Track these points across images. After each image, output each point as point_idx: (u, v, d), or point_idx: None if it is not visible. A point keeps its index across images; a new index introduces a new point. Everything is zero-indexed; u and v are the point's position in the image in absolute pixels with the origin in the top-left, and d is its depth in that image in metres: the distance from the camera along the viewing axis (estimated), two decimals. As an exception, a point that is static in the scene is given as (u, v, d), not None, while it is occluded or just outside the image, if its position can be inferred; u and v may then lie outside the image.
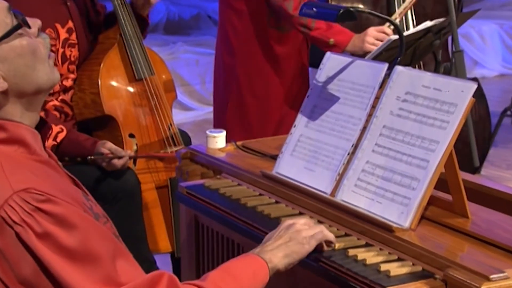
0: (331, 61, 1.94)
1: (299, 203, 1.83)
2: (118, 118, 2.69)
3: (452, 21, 2.75)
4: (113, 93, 2.72)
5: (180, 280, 1.32)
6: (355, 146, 1.78)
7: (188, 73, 5.92)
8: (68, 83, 2.67)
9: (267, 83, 2.96)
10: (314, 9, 1.85)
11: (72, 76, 2.68)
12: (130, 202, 2.56)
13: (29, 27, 1.30)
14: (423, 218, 1.65)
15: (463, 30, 6.67)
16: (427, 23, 2.63)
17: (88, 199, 1.33)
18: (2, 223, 1.20)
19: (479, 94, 3.34)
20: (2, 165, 1.25)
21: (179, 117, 5.28)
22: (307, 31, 2.79)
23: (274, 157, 2.02)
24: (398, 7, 3.13)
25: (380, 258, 1.54)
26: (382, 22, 2.95)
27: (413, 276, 1.47)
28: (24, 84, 1.29)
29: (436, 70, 2.89)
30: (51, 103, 2.62)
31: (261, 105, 2.97)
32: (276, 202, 1.88)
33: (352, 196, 1.72)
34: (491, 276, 1.39)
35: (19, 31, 1.28)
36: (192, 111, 5.81)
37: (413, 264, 1.51)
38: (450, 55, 3.22)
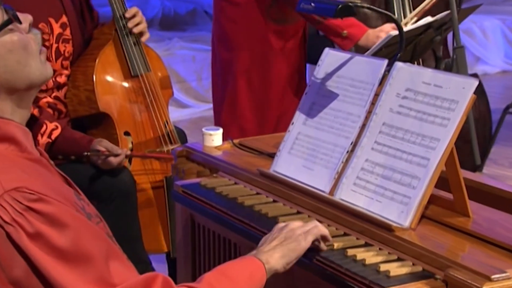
0: (330, 57, 1.93)
1: (297, 202, 1.83)
2: (113, 116, 2.69)
3: (453, 17, 2.75)
4: (108, 90, 2.71)
5: (176, 281, 1.31)
6: (354, 144, 1.78)
7: (184, 69, 5.91)
8: (61, 79, 2.66)
9: (265, 79, 2.96)
10: (312, 4, 1.85)
11: (66, 72, 2.67)
12: (125, 202, 2.56)
13: (20, 22, 1.30)
14: (424, 217, 1.65)
15: (464, 26, 6.67)
16: (428, 19, 2.63)
17: (80, 199, 1.33)
18: None
19: (479, 91, 3.34)
20: (-8, 163, 1.25)
21: (175, 114, 5.28)
22: (321, 19, 2.76)
23: (271, 155, 2.02)
24: (396, 3, 3.13)
25: (379, 258, 1.54)
26: (380, 17, 2.95)
27: (413, 276, 1.47)
28: (15, 80, 1.29)
29: (437, 67, 2.89)
30: (44, 100, 2.62)
31: (259, 101, 2.97)
32: (274, 201, 1.87)
33: (351, 195, 1.72)
34: (493, 276, 1.39)
35: (10, 26, 1.28)
36: (188, 108, 5.81)
37: (413, 264, 1.51)
38: (451, 51, 3.22)
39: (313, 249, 1.56)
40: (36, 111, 2.54)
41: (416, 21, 2.71)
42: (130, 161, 2.71)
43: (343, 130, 1.82)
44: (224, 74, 3.01)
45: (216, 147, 2.20)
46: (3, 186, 1.21)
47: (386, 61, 1.81)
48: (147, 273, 1.27)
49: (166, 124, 2.79)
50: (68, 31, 2.64)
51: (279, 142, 1.96)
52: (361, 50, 2.79)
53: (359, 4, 1.84)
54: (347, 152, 1.78)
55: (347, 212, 1.70)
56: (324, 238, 1.54)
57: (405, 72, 1.74)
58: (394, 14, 3.06)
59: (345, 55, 1.91)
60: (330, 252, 1.56)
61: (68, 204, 1.24)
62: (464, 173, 1.71)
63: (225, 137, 2.26)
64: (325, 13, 1.90)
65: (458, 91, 1.63)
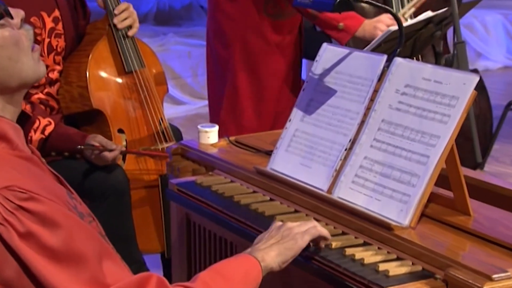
0: (328, 53, 1.94)
1: (295, 200, 1.83)
2: (107, 113, 2.69)
3: (454, 11, 2.75)
4: (102, 86, 2.71)
5: (171, 282, 1.31)
6: (353, 141, 1.78)
7: (180, 65, 5.91)
8: (54, 75, 2.66)
9: (262, 75, 2.97)
10: (310, -2, 1.85)
11: (58, 68, 2.67)
12: (119, 200, 2.56)
13: (12, 17, 1.30)
14: (423, 215, 1.66)
15: (465, 21, 6.68)
16: (428, 13, 2.64)
17: (72, 198, 1.33)
18: None
19: (480, 86, 3.33)
20: (-17, 161, 1.24)
21: (170, 111, 5.27)
22: (317, 12, 2.76)
23: (268, 153, 2.02)
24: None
25: (378, 258, 1.54)
26: (378, 12, 2.95)
27: (412, 276, 1.47)
28: (6, 78, 1.29)
29: (437, 62, 2.90)
30: (35, 96, 2.61)
31: (256, 98, 2.98)
32: (271, 199, 1.88)
33: (350, 193, 1.72)
34: (494, 276, 1.40)
35: (1, 21, 1.28)
36: (183, 105, 5.80)
37: (412, 264, 1.52)
38: (451, 46, 3.23)
39: (310, 248, 1.56)
40: (28, 107, 2.54)
41: (414, 13, 2.71)
42: (124, 159, 2.71)
43: (341, 127, 1.82)
44: (221, 71, 3.01)
45: (212, 145, 2.21)
46: (-6, 185, 1.21)
47: (385, 57, 1.81)
48: (141, 273, 1.27)
49: (161, 122, 2.79)
50: (60, 26, 2.64)
51: (276, 139, 1.97)
52: (359, 43, 2.79)
53: (357, -1, 1.84)
54: (346, 149, 1.79)
55: (346, 210, 1.70)
56: (322, 238, 1.54)
57: (404, 68, 1.75)
58: (392, 8, 3.06)
59: (343, 51, 1.91)
60: (328, 251, 1.57)
61: (60, 203, 1.24)
62: (465, 171, 1.71)
63: (223, 134, 2.26)
64: (322, 7, 1.91)
65: (459, 87, 1.63)
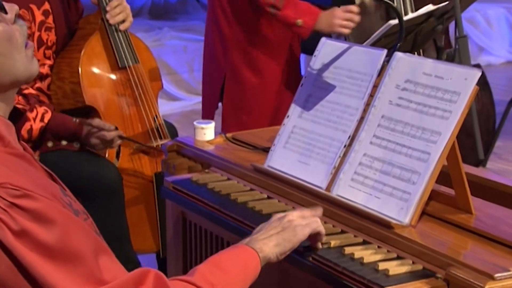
0: (327, 48, 1.94)
1: (293, 198, 1.83)
2: (100, 109, 2.69)
3: (456, 5, 2.76)
4: (95, 82, 2.71)
5: (166, 282, 1.32)
6: (352, 138, 1.78)
7: (175, 60, 5.91)
8: (44, 70, 2.65)
9: (261, 71, 2.99)
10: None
11: (49, 62, 2.67)
12: (112, 199, 2.56)
13: (6, 12, 1.30)
14: (424, 214, 1.66)
15: (467, 14, 6.69)
16: (429, 7, 2.64)
17: (67, 195, 1.33)
18: None
19: (482, 82, 3.35)
20: (-26, 158, 1.25)
21: (165, 107, 5.28)
22: (276, 11, 2.82)
23: (266, 150, 2.02)
24: None
25: (378, 257, 1.54)
26: (379, 9, 2.96)
27: (413, 275, 1.48)
28: None
29: (438, 57, 2.91)
30: (26, 91, 2.61)
31: (256, 94, 3.01)
32: (268, 197, 1.88)
33: (349, 191, 1.73)
34: (496, 275, 1.40)
35: None
36: (179, 101, 5.81)
37: (413, 263, 1.52)
38: (453, 41, 3.23)
39: (308, 247, 1.56)
40: (21, 98, 2.54)
41: (415, 7, 2.73)
42: (117, 157, 2.71)
43: (341, 123, 1.82)
44: (219, 66, 3.03)
45: (208, 141, 2.21)
46: (-14, 182, 1.21)
47: (385, 51, 1.81)
48: (138, 269, 1.28)
49: (156, 118, 2.79)
50: (50, 19, 2.63)
51: (273, 136, 1.97)
52: (359, 37, 2.81)
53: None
54: (345, 146, 1.79)
55: (345, 208, 1.70)
56: (318, 235, 1.55)
57: (405, 62, 1.75)
58: (393, 2, 3.07)
59: (342, 45, 1.91)
60: (327, 250, 1.57)
61: (54, 200, 1.25)
62: (467, 168, 1.72)
63: (224, 130, 2.25)
64: (322, 1, 1.91)
65: (460, 82, 1.64)
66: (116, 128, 2.60)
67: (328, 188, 1.78)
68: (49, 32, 2.63)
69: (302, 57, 3.26)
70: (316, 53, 1.95)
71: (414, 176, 1.63)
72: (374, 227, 1.63)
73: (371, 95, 1.79)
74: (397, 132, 1.70)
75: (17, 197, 1.21)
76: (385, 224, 1.62)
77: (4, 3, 1.30)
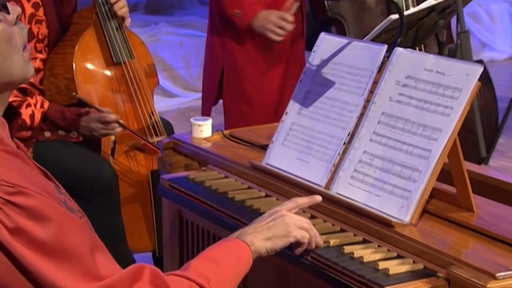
0: (326, 43, 1.94)
1: (291, 196, 1.82)
2: (99, 109, 2.69)
3: (458, -1, 2.76)
4: (89, 78, 2.71)
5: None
6: (352, 135, 1.79)
7: (171, 56, 5.91)
8: (36, 63, 2.65)
9: (258, 62, 3.03)
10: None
11: (41, 56, 2.67)
12: (107, 197, 2.56)
13: (8, 12, 1.31)
14: (425, 212, 1.67)
15: (470, 9, 6.68)
16: (431, 1, 2.64)
17: (61, 193, 1.34)
18: None
19: (484, 77, 3.36)
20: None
21: (161, 104, 5.28)
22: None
23: (264, 147, 2.03)
24: None
25: (378, 256, 1.55)
26: (382, 11, 2.97)
27: (413, 275, 1.49)
28: None
29: (439, 52, 2.91)
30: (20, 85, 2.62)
31: (254, 84, 3.05)
32: (266, 195, 1.88)
33: (348, 189, 1.73)
34: (498, 274, 1.41)
35: None
36: (175, 98, 5.80)
37: (413, 262, 1.53)
38: (454, 36, 3.24)
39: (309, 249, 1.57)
40: (17, 92, 2.55)
41: (416, 1, 2.74)
42: (112, 154, 2.71)
43: (340, 120, 1.83)
44: (220, 63, 3.07)
45: (205, 139, 2.21)
46: (-20, 180, 1.22)
47: (385, 47, 1.82)
48: (133, 265, 1.31)
49: (151, 115, 2.79)
50: (41, 12, 2.63)
51: (272, 133, 1.97)
52: (360, 33, 2.82)
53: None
54: (344, 143, 1.80)
55: (344, 207, 1.71)
56: (306, 244, 1.55)
57: (405, 58, 1.75)
58: None
59: (342, 41, 1.91)
60: (326, 249, 1.58)
61: (49, 197, 1.26)
62: (468, 166, 1.72)
63: (227, 123, 2.22)
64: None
65: (462, 78, 1.64)
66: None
67: (328, 186, 1.78)
68: (40, 25, 2.63)
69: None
70: (315, 48, 1.96)
71: (415, 174, 1.64)
72: (374, 226, 1.63)
73: (371, 92, 1.79)
74: (397, 129, 1.70)
75: (12, 194, 1.22)
76: (385, 223, 1.62)
77: (8, 4, 1.31)
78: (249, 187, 1.93)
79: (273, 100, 3.06)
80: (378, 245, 1.60)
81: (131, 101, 2.77)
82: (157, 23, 6.44)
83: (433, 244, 1.53)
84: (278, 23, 2.88)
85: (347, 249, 1.57)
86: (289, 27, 2.89)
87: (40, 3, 2.63)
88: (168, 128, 2.86)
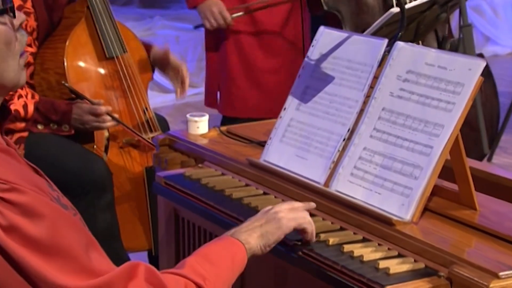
0: (325, 37, 1.94)
1: (290, 194, 1.84)
2: (90, 100, 2.69)
3: (460, -8, 2.76)
4: (81, 73, 2.71)
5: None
6: (351, 131, 1.79)
7: (167, 50, 5.90)
8: None
9: (255, 59, 3.07)
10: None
11: (30, 49, 2.66)
12: (100, 195, 2.56)
13: (14, 16, 1.33)
14: (426, 210, 1.67)
15: (473, 2, 6.69)
16: (432, -6, 2.65)
17: (54, 189, 1.36)
18: None
19: (485, 72, 3.36)
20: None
21: (157, 100, 5.28)
22: None
23: (262, 144, 2.03)
24: None
25: (378, 254, 1.55)
26: (383, 9, 2.98)
27: (414, 274, 1.49)
28: None
29: (441, 47, 2.91)
30: None
31: (253, 82, 3.10)
32: (264, 193, 1.89)
33: (348, 186, 1.74)
34: (501, 273, 1.41)
35: (2, 17, 1.30)
36: (171, 93, 5.78)
37: (415, 261, 1.53)
38: (454, 30, 3.24)
39: (299, 241, 1.57)
40: None
41: None
42: (106, 151, 2.71)
43: (340, 116, 1.83)
44: (221, 54, 3.23)
45: (201, 135, 2.21)
46: (-29, 177, 1.23)
47: (386, 41, 1.82)
48: (127, 262, 1.32)
49: (146, 111, 2.79)
50: (29, 4, 2.63)
51: (270, 129, 1.97)
52: (357, 27, 2.85)
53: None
54: (344, 140, 1.80)
55: (344, 204, 1.71)
56: (305, 233, 1.56)
57: (406, 52, 1.75)
58: None
59: (341, 34, 1.92)
60: (325, 248, 1.58)
61: (42, 193, 1.27)
62: (471, 163, 1.73)
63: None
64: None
65: (464, 72, 1.64)
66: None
67: (327, 183, 1.78)
68: (28, 17, 2.62)
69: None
70: (314, 42, 1.96)
71: (416, 171, 1.64)
72: (374, 224, 1.63)
73: (371, 87, 1.79)
74: (398, 125, 1.71)
75: (5, 191, 1.22)
76: (386, 221, 1.62)
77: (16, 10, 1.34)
78: (247, 185, 1.93)
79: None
80: (379, 244, 1.60)
81: (125, 96, 2.77)
82: (152, 16, 6.44)
83: (435, 242, 1.54)
84: (215, 16, 3.11)
85: (347, 248, 1.57)
86: (223, 25, 3.13)
87: None
88: (163, 124, 2.86)
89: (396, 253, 1.56)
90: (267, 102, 3.19)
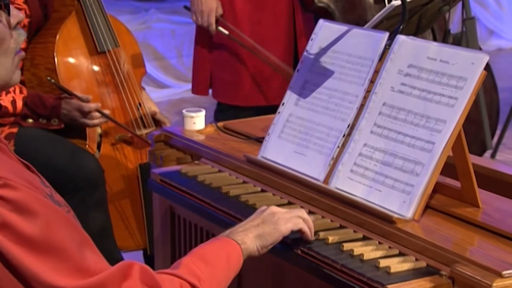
0: (324, 30, 1.94)
1: (288, 191, 1.84)
2: (78, 96, 2.68)
3: (463, -16, 2.77)
4: (72, 68, 2.71)
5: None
6: (351, 127, 1.79)
7: (163, 45, 5.90)
8: None
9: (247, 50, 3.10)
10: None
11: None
12: (92, 192, 2.56)
13: (9, 14, 1.34)
14: (428, 207, 1.68)
15: (476, -5, 6.68)
16: (435, -14, 2.65)
17: (46, 186, 1.36)
18: None
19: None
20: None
21: (152, 95, 5.24)
22: None
23: (259, 140, 2.03)
24: None
25: (379, 253, 1.56)
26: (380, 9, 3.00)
27: (416, 273, 1.49)
28: None
29: (444, 40, 2.91)
30: None
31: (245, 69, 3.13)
32: (262, 190, 1.89)
33: (348, 184, 1.74)
34: (504, 272, 1.41)
35: None
36: (167, 88, 5.80)
37: (416, 260, 1.54)
38: (455, 23, 3.24)
39: (298, 239, 1.57)
40: None
41: None
42: (98, 148, 2.71)
43: (339, 111, 1.83)
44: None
45: (198, 131, 2.22)
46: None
47: (387, 34, 1.82)
48: (121, 262, 1.32)
49: (139, 107, 2.79)
50: (20, 0, 2.62)
51: (268, 125, 1.98)
52: (347, 18, 2.87)
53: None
54: (344, 136, 1.80)
55: (344, 202, 1.71)
56: (303, 233, 1.57)
57: (408, 46, 1.76)
58: None
59: (341, 28, 1.92)
60: (325, 246, 1.58)
61: (35, 190, 1.27)
62: (473, 159, 1.73)
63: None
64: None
65: (467, 67, 1.64)
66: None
67: (326, 180, 1.79)
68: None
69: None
70: (313, 36, 1.96)
71: (417, 167, 1.64)
72: (375, 222, 1.64)
73: (372, 81, 1.80)
74: (399, 120, 1.71)
75: None
76: (387, 219, 1.63)
77: (12, 8, 1.34)
78: (244, 182, 1.94)
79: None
80: (379, 242, 1.60)
81: (117, 92, 2.77)
82: (147, 10, 6.43)
83: (437, 241, 1.54)
84: (202, 17, 3.09)
85: (347, 246, 1.57)
86: (206, 27, 3.10)
87: None
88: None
89: (397, 251, 1.57)
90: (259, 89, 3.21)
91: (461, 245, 1.54)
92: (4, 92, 2.54)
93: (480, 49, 3.39)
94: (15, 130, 2.60)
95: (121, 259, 2.67)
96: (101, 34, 2.74)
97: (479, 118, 3.07)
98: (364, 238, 1.63)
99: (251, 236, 1.49)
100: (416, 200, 1.63)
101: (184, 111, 2.25)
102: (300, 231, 1.57)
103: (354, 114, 1.80)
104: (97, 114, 2.60)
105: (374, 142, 1.73)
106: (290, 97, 1.95)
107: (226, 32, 3.09)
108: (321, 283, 1.56)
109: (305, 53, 1.96)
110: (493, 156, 3.69)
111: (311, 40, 1.96)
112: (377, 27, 2.53)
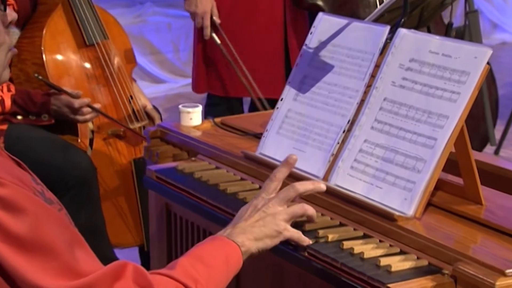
0: (324, 23, 1.94)
1: (287, 188, 1.84)
2: (68, 92, 2.68)
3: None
4: (60, 63, 2.70)
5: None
6: (352, 123, 1.79)
7: (159, 39, 5.90)
8: None
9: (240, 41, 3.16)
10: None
11: None
12: (84, 190, 2.55)
13: (4, 10, 1.34)
14: (430, 205, 1.68)
15: (480, -12, 6.68)
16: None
17: (38, 183, 1.35)
18: None
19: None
20: None
21: (148, 90, 5.27)
22: None
23: (258, 136, 2.03)
24: None
25: (380, 251, 1.56)
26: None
27: (417, 272, 1.49)
28: None
29: (446, 34, 2.91)
30: None
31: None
32: (260, 187, 1.89)
33: (348, 180, 1.74)
34: (507, 271, 1.42)
35: None
36: (163, 83, 5.80)
37: (417, 258, 1.54)
38: (458, 17, 3.24)
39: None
40: None
41: None
42: (91, 145, 2.71)
43: (339, 106, 1.83)
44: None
45: (194, 127, 2.22)
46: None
47: (388, 28, 1.82)
48: (114, 262, 1.32)
49: (130, 100, 2.78)
50: None
51: (266, 121, 1.98)
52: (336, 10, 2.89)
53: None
54: (344, 131, 1.80)
55: (344, 199, 1.72)
56: (309, 216, 1.57)
57: (409, 40, 1.76)
58: None
59: (341, 21, 1.92)
60: (324, 244, 1.58)
61: (25, 187, 1.26)
62: (476, 155, 1.73)
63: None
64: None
65: (470, 61, 1.65)
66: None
67: (326, 177, 1.79)
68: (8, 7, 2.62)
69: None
70: (312, 29, 1.96)
71: (419, 164, 1.65)
72: (375, 220, 1.64)
73: (373, 76, 1.80)
74: (400, 116, 1.71)
75: None
76: (388, 216, 1.63)
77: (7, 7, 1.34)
78: (242, 179, 1.94)
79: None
80: (380, 240, 1.61)
81: (108, 85, 2.76)
82: (142, 3, 6.42)
83: (439, 239, 1.54)
84: (197, 17, 3.10)
85: (347, 244, 1.57)
86: (200, 28, 3.12)
87: None
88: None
89: (398, 250, 1.57)
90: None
91: (463, 243, 1.54)
92: None
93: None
94: (4, 127, 2.60)
95: (115, 258, 2.67)
96: (89, 26, 2.73)
97: (478, 112, 3.07)
98: (365, 236, 1.63)
99: (251, 238, 1.48)
100: (418, 197, 1.63)
101: (180, 106, 2.25)
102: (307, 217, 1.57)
103: (355, 110, 1.80)
104: (88, 109, 2.60)
105: (374, 138, 1.73)
106: (289, 92, 1.95)
107: (218, 41, 3.11)
108: (320, 282, 1.56)
109: (304, 47, 1.96)
110: (496, 152, 3.69)
111: (310, 33, 1.96)
112: (378, 20, 2.54)
